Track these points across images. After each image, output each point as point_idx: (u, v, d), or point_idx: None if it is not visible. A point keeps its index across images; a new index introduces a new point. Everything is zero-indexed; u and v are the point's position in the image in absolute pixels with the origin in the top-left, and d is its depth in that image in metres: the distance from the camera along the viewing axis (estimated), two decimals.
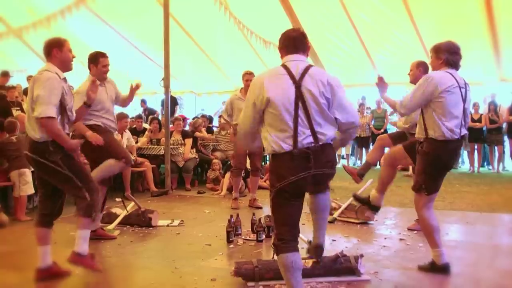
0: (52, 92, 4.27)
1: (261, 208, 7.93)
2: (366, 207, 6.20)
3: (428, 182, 4.66)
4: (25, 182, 7.35)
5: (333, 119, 3.54)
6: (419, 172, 4.74)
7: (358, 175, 6.48)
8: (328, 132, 3.50)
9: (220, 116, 10.50)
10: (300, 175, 3.42)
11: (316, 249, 4.23)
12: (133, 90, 6.40)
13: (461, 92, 4.60)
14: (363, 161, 15.60)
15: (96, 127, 5.78)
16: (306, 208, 3.88)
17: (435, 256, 4.73)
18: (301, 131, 3.42)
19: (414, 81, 5.62)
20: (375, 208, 5.91)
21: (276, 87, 3.45)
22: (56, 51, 4.50)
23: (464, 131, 4.69)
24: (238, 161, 8.23)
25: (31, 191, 7.47)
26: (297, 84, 3.45)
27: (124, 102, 6.52)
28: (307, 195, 3.81)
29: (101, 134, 5.71)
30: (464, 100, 4.63)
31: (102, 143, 5.63)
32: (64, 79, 4.49)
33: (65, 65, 4.56)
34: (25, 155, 4.50)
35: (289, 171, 3.44)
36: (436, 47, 4.77)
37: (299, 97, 3.43)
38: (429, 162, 4.65)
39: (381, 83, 5.17)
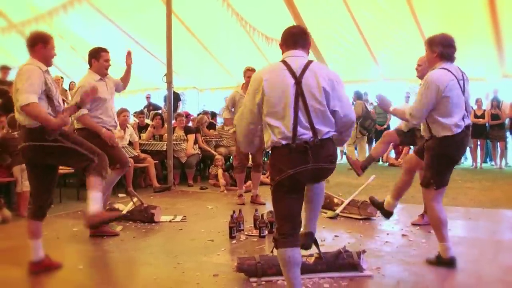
0: (32, 82, 4.34)
1: (263, 204, 7.92)
2: (379, 211, 5.87)
3: (436, 177, 4.68)
4: (27, 178, 7.35)
5: (331, 117, 3.52)
6: (427, 167, 4.76)
7: (361, 168, 6.42)
8: (327, 127, 3.49)
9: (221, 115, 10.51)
10: (298, 168, 3.42)
11: (306, 236, 4.07)
12: (129, 62, 6.45)
13: (459, 85, 4.60)
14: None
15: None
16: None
17: (442, 250, 4.76)
18: (300, 126, 3.42)
19: (421, 76, 5.50)
20: (388, 214, 5.69)
21: (276, 83, 3.45)
22: (41, 47, 4.58)
23: (468, 121, 4.71)
24: (240, 158, 8.22)
25: None
26: (298, 80, 3.45)
27: (125, 80, 6.50)
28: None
29: (99, 138, 5.79)
30: (463, 92, 4.64)
31: (116, 143, 5.78)
32: (47, 71, 4.57)
33: (47, 62, 4.64)
34: (21, 149, 4.51)
35: (287, 165, 3.44)
36: (430, 40, 4.74)
37: (300, 93, 3.43)
38: (435, 156, 4.68)
39: (383, 101, 5.11)
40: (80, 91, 5.40)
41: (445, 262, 4.73)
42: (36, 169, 4.59)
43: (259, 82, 3.48)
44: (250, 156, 8.60)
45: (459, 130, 4.59)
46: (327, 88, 3.47)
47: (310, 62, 3.54)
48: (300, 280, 3.62)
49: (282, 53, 3.70)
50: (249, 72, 8.03)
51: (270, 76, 3.49)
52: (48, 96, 4.47)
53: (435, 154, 4.68)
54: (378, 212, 6.74)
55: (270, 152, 3.68)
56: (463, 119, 4.63)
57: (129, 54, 6.52)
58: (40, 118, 4.29)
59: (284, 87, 3.44)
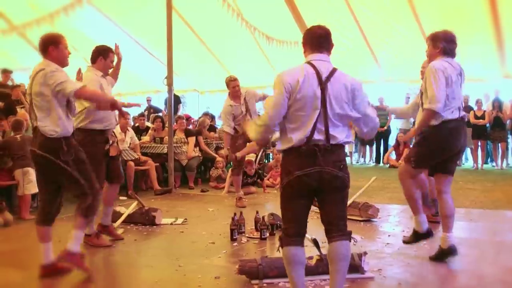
0: (67, 75, 4.47)
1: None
2: (422, 240, 5.20)
3: (418, 156, 4.82)
4: (29, 181, 7.36)
5: (347, 124, 3.60)
6: (414, 146, 4.94)
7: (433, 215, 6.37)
8: (341, 134, 3.53)
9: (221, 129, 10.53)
10: (306, 170, 3.45)
11: None
12: (120, 56, 6.32)
13: (457, 78, 4.73)
14: (366, 158, 15.64)
15: (98, 132, 5.63)
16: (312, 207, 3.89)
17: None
18: (316, 131, 3.46)
19: None
20: (427, 235, 5.06)
21: (308, 85, 3.47)
22: (52, 49, 4.56)
23: (463, 113, 4.80)
24: (236, 160, 8.22)
25: (35, 190, 7.47)
26: (323, 86, 3.48)
27: (115, 75, 6.30)
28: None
29: (94, 146, 5.54)
30: (460, 85, 4.78)
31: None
32: None
33: (61, 62, 4.63)
34: (31, 152, 4.51)
35: (296, 167, 3.49)
36: (433, 36, 4.86)
37: (323, 98, 3.47)
38: (426, 139, 4.79)
39: (407, 136, 5.13)
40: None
41: (445, 253, 4.86)
42: (44, 176, 4.61)
43: (296, 84, 3.47)
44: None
45: (452, 117, 4.68)
46: (349, 97, 3.53)
47: (335, 69, 3.58)
48: (304, 280, 3.65)
49: (305, 52, 3.72)
50: (232, 83, 7.97)
51: (304, 79, 3.48)
52: (68, 100, 4.50)
53: (426, 137, 4.79)
54: (379, 214, 6.79)
55: (281, 154, 3.68)
56: (458, 110, 4.74)
57: (117, 46, 6.26)
58: (94, 95, 4.66)
59: (312, 91, 3.47)
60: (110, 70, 6.14)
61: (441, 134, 4.71)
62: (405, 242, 5.15)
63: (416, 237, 4.99)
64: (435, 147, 4.76)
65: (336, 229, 3.63)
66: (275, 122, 3.57)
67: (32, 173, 7.34)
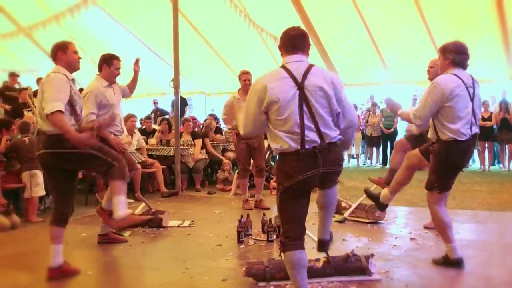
0: (59, 90, 4.42)
1: (268, 209, 7.87)
2: (374, 204, 5.95)
3: (440, 181, 4.73)
4: (36, 184, 7.39)
5: (335, 119, 3.59)
6: (431, 171, 4.80)
7: (386, 183, 6.21)
8: (333, 131, 3.54)
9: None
10: (307, 173, 3.46)
11: (319, 244, 4.15)
12: (136, 69, 6.47)
13: (468, 92, 4.63)
14: (373, 160, 15.61)
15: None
16: (315, 208, 3.90)
17: (448, 250, 4.80)
18: (307, 131, 3.45)
19: (432, 78, 5.51)
20: (382, 207, 5.74)
21: (280, 90, 3.46)
22: (61, 54, 4.65)
23: (475, 130, 4.73)
24: (241, 162, 8.23)
25: (42, 192, 7.51)
26: (300, 86, 3.47)
27: (132, 87, 6.47)
28: (313, 195, 3.80)
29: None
30: (472, 99, 4.66)
31: (125, 149, 5.79)
32: (72, 80, 4.63)
33: (71, 66, 4.70)
34: (40, 155, 4.55)
35: (296, 170, 3.47)
36: (443, 47, 4.80)
37: (303, 98, 3.46)
38: (441, 161, 4.71)
39: (392, 104, 5.18)
40: (91, 96, 5.56)
41: (452, 263, 4.76)
42: (56, 176, 4.64)
43: (264, 90, 3.48)
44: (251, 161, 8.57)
45: (465, 138, 4.61)
46: (329, 92, 3.51)
47: (311, 66, 3.57)
48: (307, 282, 3.66)
49: (281, 55, 3.73)
50: (244, 76, 7.94)
51: (274, 84, 3.48)
52: (71, 105, 4.52)
53: (440, 159, 4.72)
54: (386, 215, 6.77)
55: (277, 157, 3.69)
56: (470, 127, 4.66)
57: (137, 61, 6.51)
58: (63, 128, 4.34)
59: (288, 94, 3.45)
60: (129, 81, 6.33)
61: (454, 155, 4.67)
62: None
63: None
64: (452, 167, 4.75)
65: (330, 183, 3.78)
66: (251, 129, 3.67)
67: (39, 175, 7.37)
